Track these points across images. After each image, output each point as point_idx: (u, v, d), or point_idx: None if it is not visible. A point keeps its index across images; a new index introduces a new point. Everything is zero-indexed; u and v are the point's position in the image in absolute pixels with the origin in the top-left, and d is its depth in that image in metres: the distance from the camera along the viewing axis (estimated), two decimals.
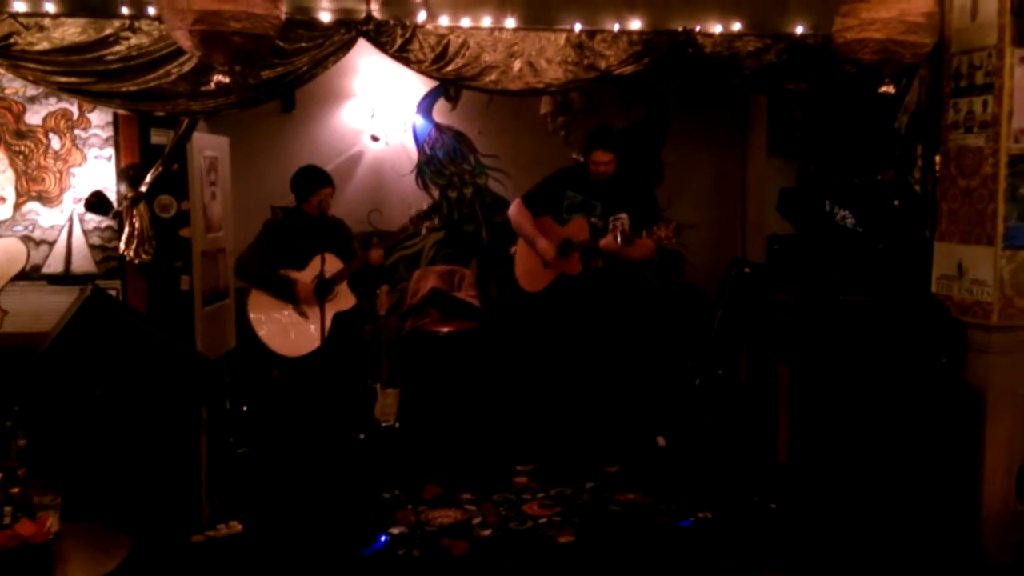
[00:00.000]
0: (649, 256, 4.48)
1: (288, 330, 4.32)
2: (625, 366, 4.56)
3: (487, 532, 3.94)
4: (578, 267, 4.39)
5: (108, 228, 3.98)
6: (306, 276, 4.32)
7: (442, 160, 5.78)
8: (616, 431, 4.63)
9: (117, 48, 3.57)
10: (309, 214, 4.35)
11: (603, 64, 3.86)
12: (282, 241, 4.37)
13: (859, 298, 4.02)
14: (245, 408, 4.69)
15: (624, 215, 4.33)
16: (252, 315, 4.32)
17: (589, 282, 4.41)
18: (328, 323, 4.13)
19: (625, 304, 4.51)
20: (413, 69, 3.83)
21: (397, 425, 4.76)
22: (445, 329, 5.29)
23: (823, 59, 3.90)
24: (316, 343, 4.21)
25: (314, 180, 4.36)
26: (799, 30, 3.94)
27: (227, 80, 3.40)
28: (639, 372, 4.72)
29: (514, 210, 4.56)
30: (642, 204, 4.40)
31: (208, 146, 4.50)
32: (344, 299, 4.34)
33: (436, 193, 5.77)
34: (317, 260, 4.18)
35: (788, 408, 4.27)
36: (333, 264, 4.26)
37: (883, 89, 3.73)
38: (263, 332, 4.31)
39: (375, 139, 5.61)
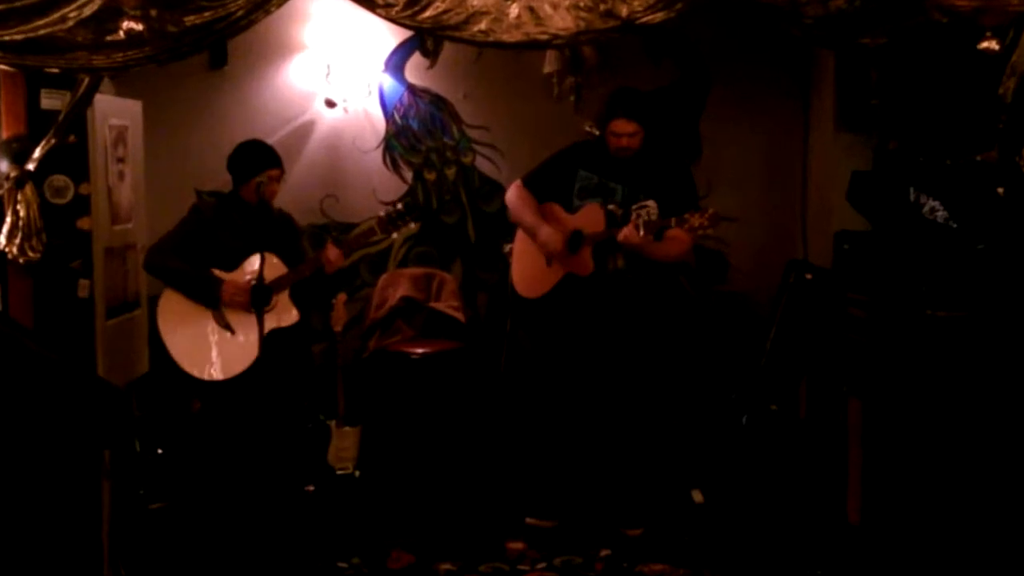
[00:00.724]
0: (682, 254, 4.48)
1: (208, 345, 4.30)
2: (651, 398, 4.55)
3: None
4: (589, 266, 4.39)
5: None
6: (237, 278, 4.30)
7: (417, 132, 5.78)
8: (640, 483, 4.61)
9: None
10: (247, 202, 4.33)
11: (624, 9, 3.84)
12: (210, 234, 4.36)
13: (953, 313, 4.01)
14: (160, 451, 4.67)
15: (651, 203, 4.33)
16: (161, 323, 4.31)
17: (604, 287, 4.41)
18: (261, 339, 4.12)
19: (650, 317, 4.52)
20: (380, 15, 3.81)
21: (357, 473, 4.75)
22: (419, 350, 5.27)
23: (907, 6, 3.89)
24: (245, 363, 4.19)
25: (257, 159, 4.35)
26: None
27: (140, 27, 3.39)
28: (669, 406, 4.71)
29: (512, 194, 4.58)
30: (676, 189, 4.41)
31: (115, 113, 4.49)
32: (284, 312, 4.34)
33: (409, 175, 5.77)
34: (254, 260, 4.17)
35: (861, 454, 4.26)
36: (274, 268, 4.24)
37: (984, 45, 3.72)
38: (174, 346, 4.29)
39: (331, 104, 5.60)
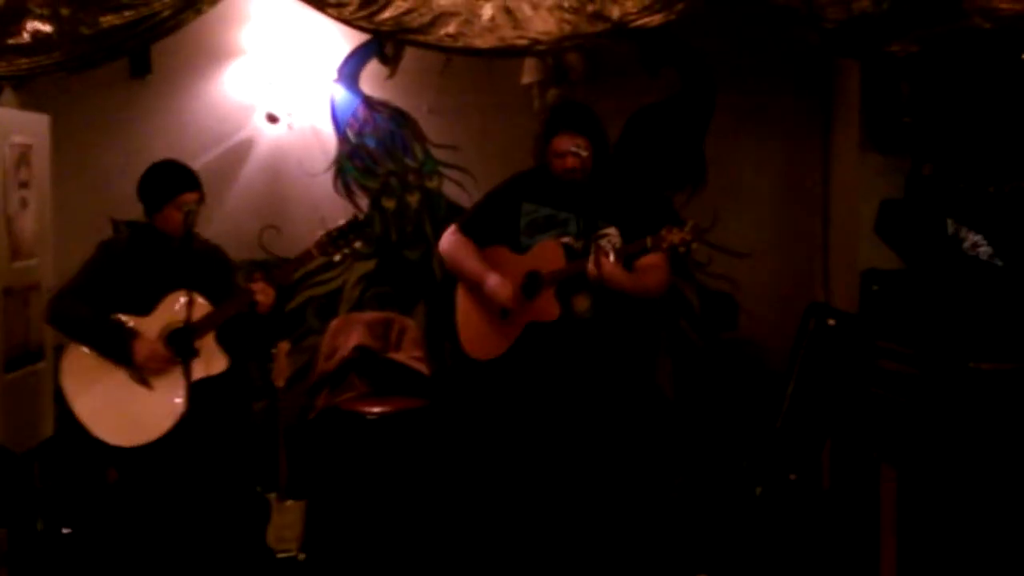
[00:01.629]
0: (662, 285, 4.37)
1: (122, 405, 4.24)
2: (645, 469, 4.51)
3: None
4: (554, 310, 4.35)
5: None
6: (152, 325, 4.27)
7: (374, 152, 5.80)
8: (635, 566, 4.58)
9: None
10: (165, 233, 4.31)
11: (616, 11, 3.90)
12: (122, 272, 4.33)
13: (1000, 366, 4.03)
14: (66, 530, 4.60)
15: (612, 230, 4.30)
16: (67, 383, 4.26)
17: (576, 334, 4.37)
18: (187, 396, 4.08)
19: (639, 371, 4.47)
20: (331, 15, 3.85)
21: (301, 556, 4.70)
22: (376, 409, 5.25)
23: (942, 9, 3.95)
24: (168, 423, 4.14)
25: (169, 182, 4.32)
26: None
27: (48, 29, 3.39)
28: (667, 478, 4.68)
29: (447, 241, 4.53)
30: (641, 211, 4.37)
31: (18, 129, 4.48)
32: (210, 358, 4.30)
33: (364, 203, 5.77)
34: (171, 301, 4.16)
35: (896, 531, 4.24)
36: (199, 308, 4.22)
37: None
38: (82, 407, 4.24)
39: (272, 119, 5.61)
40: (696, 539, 4.97)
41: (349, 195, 5.78)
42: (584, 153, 4.29)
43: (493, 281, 4.38)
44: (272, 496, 4.71)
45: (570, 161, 4.29)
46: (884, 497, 4.32)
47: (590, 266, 4.15)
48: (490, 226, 4.49)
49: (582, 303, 4.34)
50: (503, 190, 4.54)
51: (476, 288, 4.44)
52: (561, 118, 4.37)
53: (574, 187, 4.35)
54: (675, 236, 4.04)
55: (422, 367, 5.46)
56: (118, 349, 4.22)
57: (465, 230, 4.53)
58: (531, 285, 4.36)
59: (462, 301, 4.56)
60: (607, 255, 4.13)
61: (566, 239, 4.35)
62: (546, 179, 4.40)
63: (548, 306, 4.34)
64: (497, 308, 4.43)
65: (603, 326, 4.36)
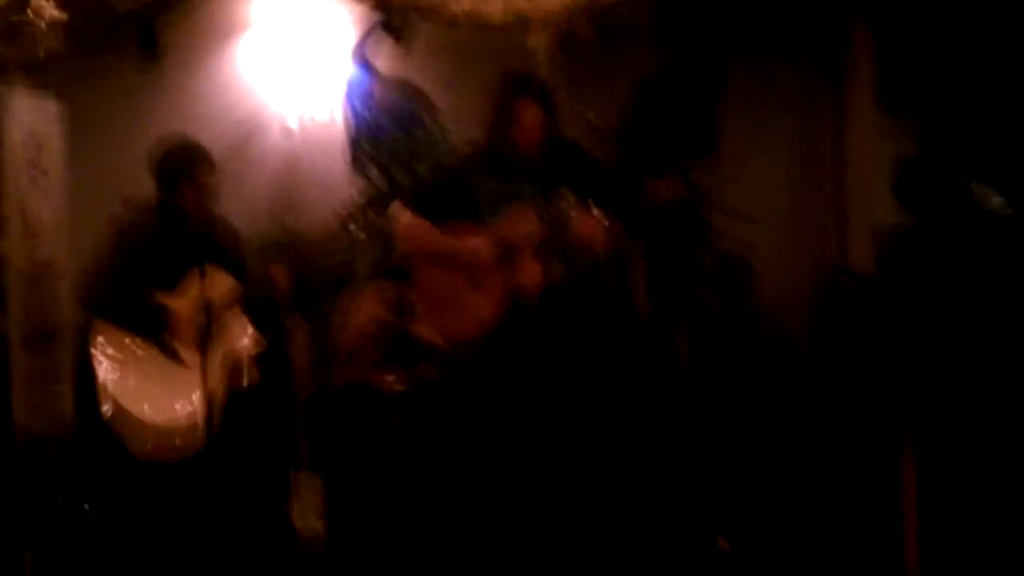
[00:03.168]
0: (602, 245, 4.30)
1: (158, 383, 4.30)
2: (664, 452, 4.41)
3: None
4: (535, 272, 4.24)
5: None
6: (180, 300, 4.27)
7: (388, 129, 5.76)
8: (656, 534, 4.53)
9: None
10: (182, 210, 4.33)
11: None
12: (145, 252, 4.36)
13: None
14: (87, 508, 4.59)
15: (565, 190, 4.21)
16: (99, 365, 4.29)
17: (569, 302, 4.27)
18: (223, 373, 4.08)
19: (655, 338, 4.39)
20: None
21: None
22: (398, 383, 5.21)
23: None
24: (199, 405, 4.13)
25: (183, 160, 4.36)
26: None
27: (54, 10, 3.38)
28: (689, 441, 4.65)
29: (407, 222, 4.40)
30: (599, 176, 4.32)
31: (29, 112, 4.46)
32: (242, 339, 4.32)
33: (383, 181, 5.73)
34: (195, 276, 4.18)
35: (917, 497, 4.19)
36: (221, 283, 4.25)
37: None
38: (118, 389, 4.28)
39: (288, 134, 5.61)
40: (716, 502, 4.96)
41: (365, 173, 5.74)
42: (540, 123, 4.25)
43: (471, 242, 4.26)
44: (295, 473, 4.69)
45: (529, 124, 4.23)
46: (906, 470, 4.27)
47: (588, 225, 4.08)
48: (443, 204, 4.38)
49: (556, 269, 4.26)
50: (452, 169, 4.47)
51: (446, 258, 4.32)
52: (520, 85, 4.31)
53: (530, 158, 4.28)
54: (661, 188, 3.99)
55: (436, 339, 5.45)
56: (156, 326, 4.23)
57: (418, 208, 4.42)
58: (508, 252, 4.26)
59: (422, 283, 4.42)
60: (591, 215, 4.09)
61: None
62: (499, 153, 4.33)
63: (528, 268, 4.24)
64: (471, 281, 4.32)
65: (598, 294, 4.31)
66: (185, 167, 4.36)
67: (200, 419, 4.17)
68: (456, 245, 4.28)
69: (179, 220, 4.36)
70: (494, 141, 4.37)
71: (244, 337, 4.35)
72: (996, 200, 4.20)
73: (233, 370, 4.31)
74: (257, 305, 4.39)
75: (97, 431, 4.46)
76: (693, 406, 4.85)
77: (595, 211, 4.09)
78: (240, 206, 5.25)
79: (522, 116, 4.24)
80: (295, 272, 4.40)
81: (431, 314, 4.44)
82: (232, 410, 4.24)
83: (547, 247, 4.20)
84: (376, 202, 4.47)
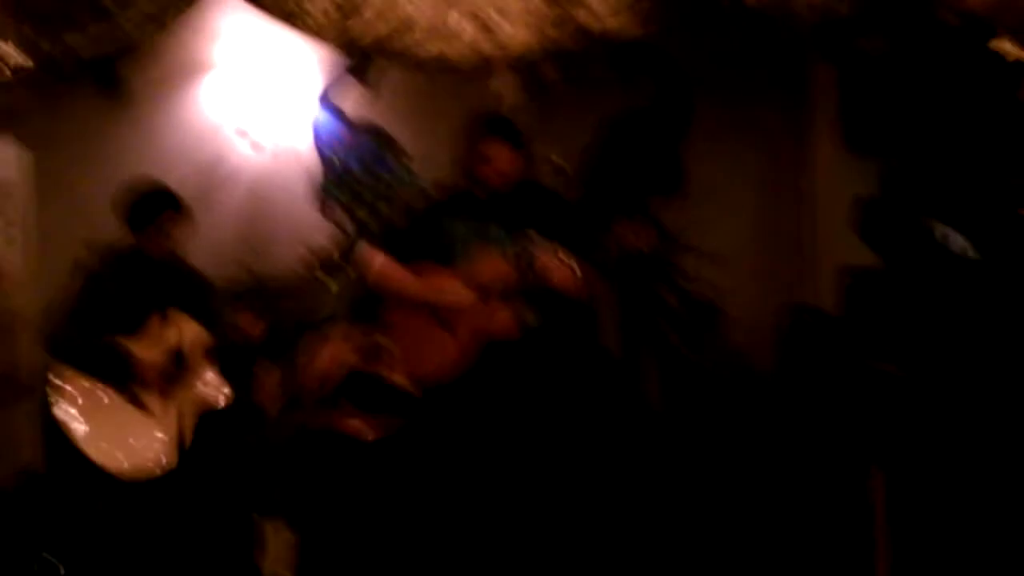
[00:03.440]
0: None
1: (122, 430, 4.24)
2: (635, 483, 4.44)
3: None
4: (509, 321, 4.22)
5: None
6: (144, 345, 4.25)
7: (355, 172, 5.76)
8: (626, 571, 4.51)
9: None
10: (148, 255, 4.31)
11: (590, 21, 3.86)
12: (111, 296, 4.33)
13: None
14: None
15: (531, 231, 4.19)
16: (63, 412, 4.24)
17: (537, 352, 4.23)
18: (190, 422, 4.06)
19: (623, 378, 4.40)
20: (299, 27, 3.79)
21: None
22: (369, 431, 5.18)
23: (912, 7, 3.93)
24: (166, 451, 4.12)
25: (150, 204, 4.33)
26: None
27: (11, 49, 3.36)
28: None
29: (380, 264, 4.34)
30: (567, 218, 4.29)
31: None
32: (211, 388, 4.30)
33: (351, 226, 5.72)
34: (157, 320, 4.18)
35: (888, 535, 4.20)
36: (187, 329, 4.21)
37: (1002, 48, 3.75)
38: (82, 437, 4.22)
39: (243, 135, 5.57)
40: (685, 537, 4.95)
41: (332, 217, 5.73)
42: (510, 163, 4.24)
43: (451, 286, 4.23)
44: (265, 521, 4.65)
45: (493, 169, 4.24)
46: (875, 501, 4.28)
47: (559, 273, 4.08)
48: (414, 245, 4.34)
49: (526, 314, 4.24)
50: (422, 212, 4.46)
51: (424, 302, 4.27)
52: (491, 126, 4.32)
53: (498, 198, 4.29)
54: (627, 232, 4.00)
55: (408, 385, 5.42)
56: (121, 371, 4.20)
57: (389, 250, 4.36)
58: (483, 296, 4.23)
59: (398, 324, 4.37)
60: (560, 257, 4.06)
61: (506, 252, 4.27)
62: (468, 194, 4.33)
63: (500, 316, 4.21)
64: (438, 320, 4.27)
65: (573, 336, 4.30)
66: (152, 211, 4.33)
67: (167, 466, 4.14)
68: (437, 289, 4.27)
69: (146, 265, 4.33)
70: (464, 181, 4.37)
71: (211, 384, 4.30)
72: (957, 240, 4.23)
73: (200, 417, 4.26)
74: (225, 351, 4.35)
75: (63, 479, 4.42)
76: (662, 445, 4.85)
77: (562, 254, 4.07)
78: (205, 248, 5.23)
79: (493, 157, 4.22)
80: (263, 318, 4.36)
81: (400, 355, 4.41)
82: (199, 458, 4.20)
83: (516, 290, 4.19)
84: (343, 245, 4.43)
